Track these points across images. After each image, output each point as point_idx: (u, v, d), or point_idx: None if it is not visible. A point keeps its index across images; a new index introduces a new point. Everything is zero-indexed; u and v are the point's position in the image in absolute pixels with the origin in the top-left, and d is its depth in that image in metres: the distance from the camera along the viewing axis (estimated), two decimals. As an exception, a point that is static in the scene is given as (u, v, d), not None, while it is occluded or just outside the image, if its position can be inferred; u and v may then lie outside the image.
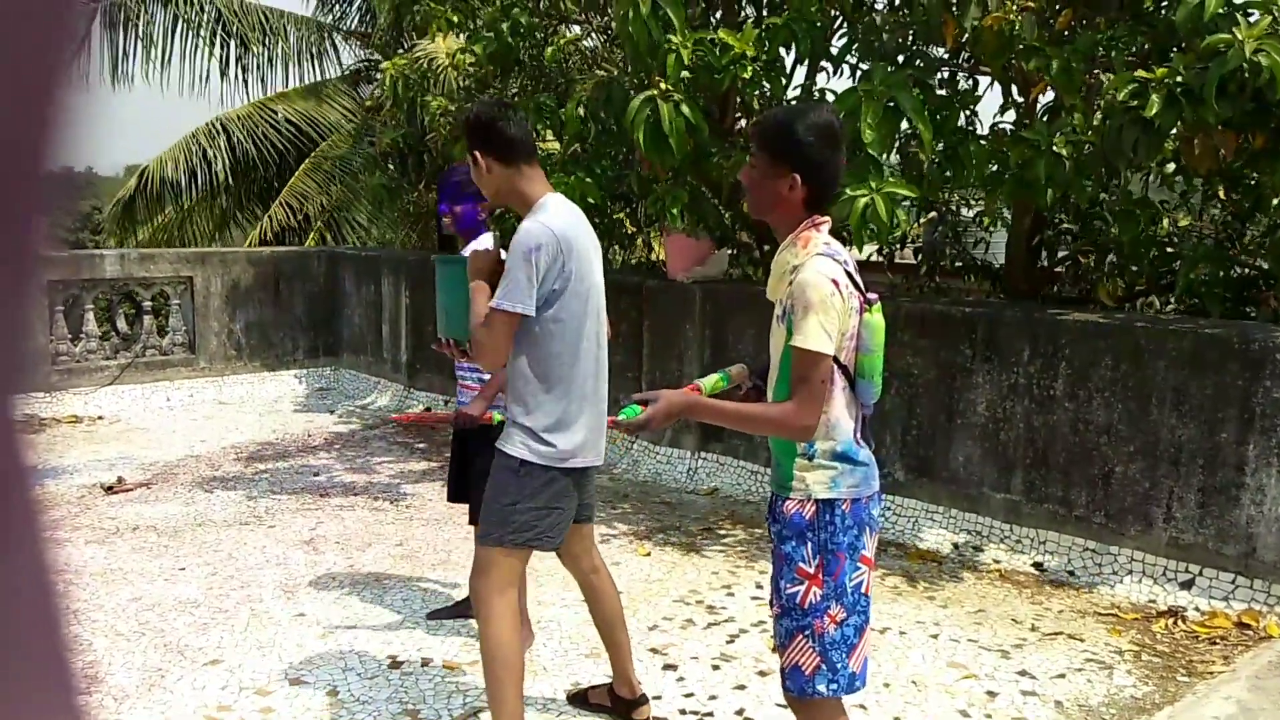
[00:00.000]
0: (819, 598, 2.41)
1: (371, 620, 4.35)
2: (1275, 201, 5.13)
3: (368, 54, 12.64)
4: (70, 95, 0.43)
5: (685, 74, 5.25)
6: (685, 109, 5.19)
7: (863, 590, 2.46)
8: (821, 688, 2.42)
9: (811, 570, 2.41)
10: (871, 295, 2.47)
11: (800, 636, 2.43)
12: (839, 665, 2.42)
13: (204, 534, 5.46)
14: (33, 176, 0.44)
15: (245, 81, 12.71)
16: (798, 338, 2.34)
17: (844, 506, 2.42)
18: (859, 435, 2.50)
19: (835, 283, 2.35)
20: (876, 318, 2.44)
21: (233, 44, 12.38)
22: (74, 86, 0.43)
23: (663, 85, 5.21)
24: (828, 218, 2.48)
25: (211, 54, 12.37)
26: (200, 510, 5.89)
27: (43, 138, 0.43)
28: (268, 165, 12.60)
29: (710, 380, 2.74)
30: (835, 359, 2.38)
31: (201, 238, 12.88)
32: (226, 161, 12.57)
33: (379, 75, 9.60)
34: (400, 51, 9.11)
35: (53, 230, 0.45)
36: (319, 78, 13.18)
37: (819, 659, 2.41)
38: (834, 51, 6.00)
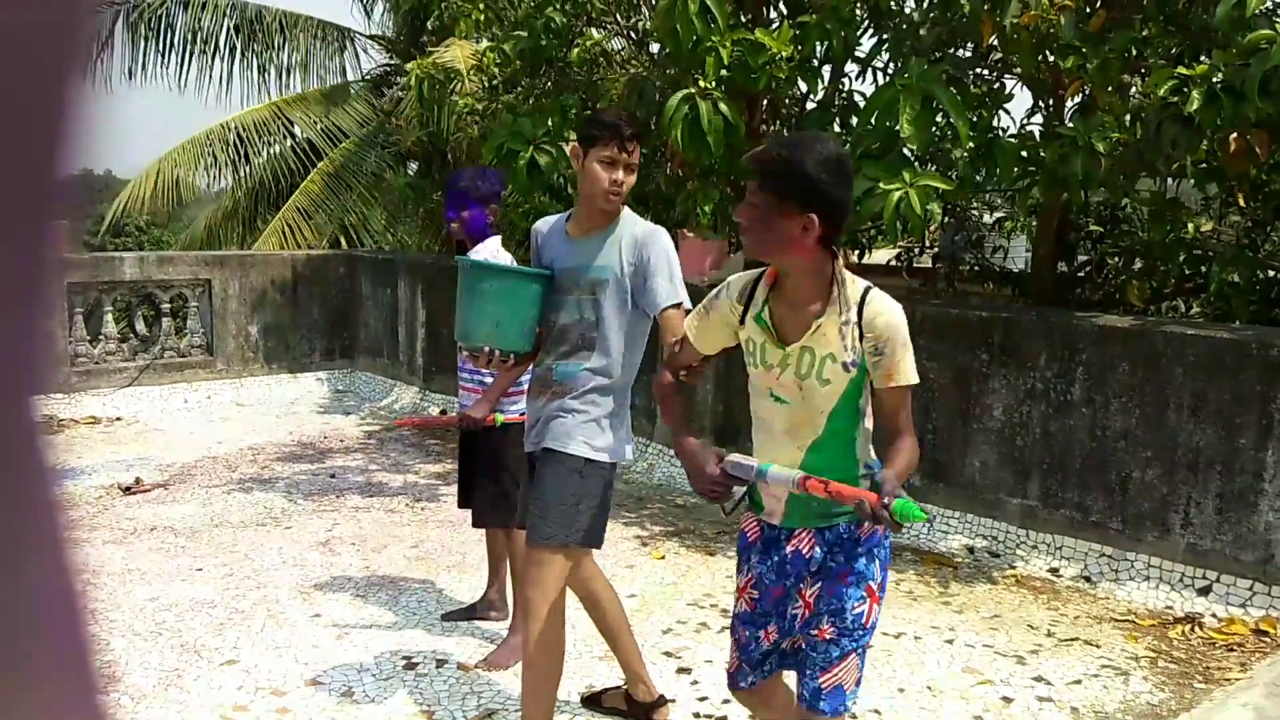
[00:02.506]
0: (877, 614, 2.44)
1: (387, 621, 4.37)
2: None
3: (388, 59, 12.69)
4: (86, 98, 0.44)
5: (723, 73, 5.26)
6: (724, 107, 5.20)
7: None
8: (851, 704, 2.46)
9: (877, 587, 2.43)
10: None
11: (854, 655, 2.43)
12: (860, 682, 2.48)
13: (221, 535, 5.49)
14: (49, 180, 0.44)
15: (262, 84, 12.76)
16: (901, 376, 2.32)
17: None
18: None
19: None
20: None
21: (251, 46, 12.43)
22: (90, 89, 0.44)
23: (702, 84, 5.22)
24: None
25: (228, 58, 12.42)
26: (217, 511, 5.92)
27: (59, 141, 0.44)
28: (285, 170, 12.65)
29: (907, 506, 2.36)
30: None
31: (224, 243, 12.93)
32: (240, 168, 12.63)
33: (399, 79, 9.65)
34: (421, 54, 9.14)
35: (70, 233, 0.46)
36: (339, 80, 13.22)
37: (858, 674, 2.45)
38: (861, 53, 6.00)
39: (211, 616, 4.41)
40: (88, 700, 0.50)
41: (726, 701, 3.70)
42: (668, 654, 4.10)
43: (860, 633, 2.42)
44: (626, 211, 3.10)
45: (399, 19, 12.05)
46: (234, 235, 12.88)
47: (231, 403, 9.06)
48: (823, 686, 2.42)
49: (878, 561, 2.43)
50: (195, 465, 6.97)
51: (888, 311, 2.32)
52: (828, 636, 2.42)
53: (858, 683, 2.45)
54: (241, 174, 12.74)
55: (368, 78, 12.88)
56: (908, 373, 2.32)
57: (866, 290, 2.35)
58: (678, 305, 2.96)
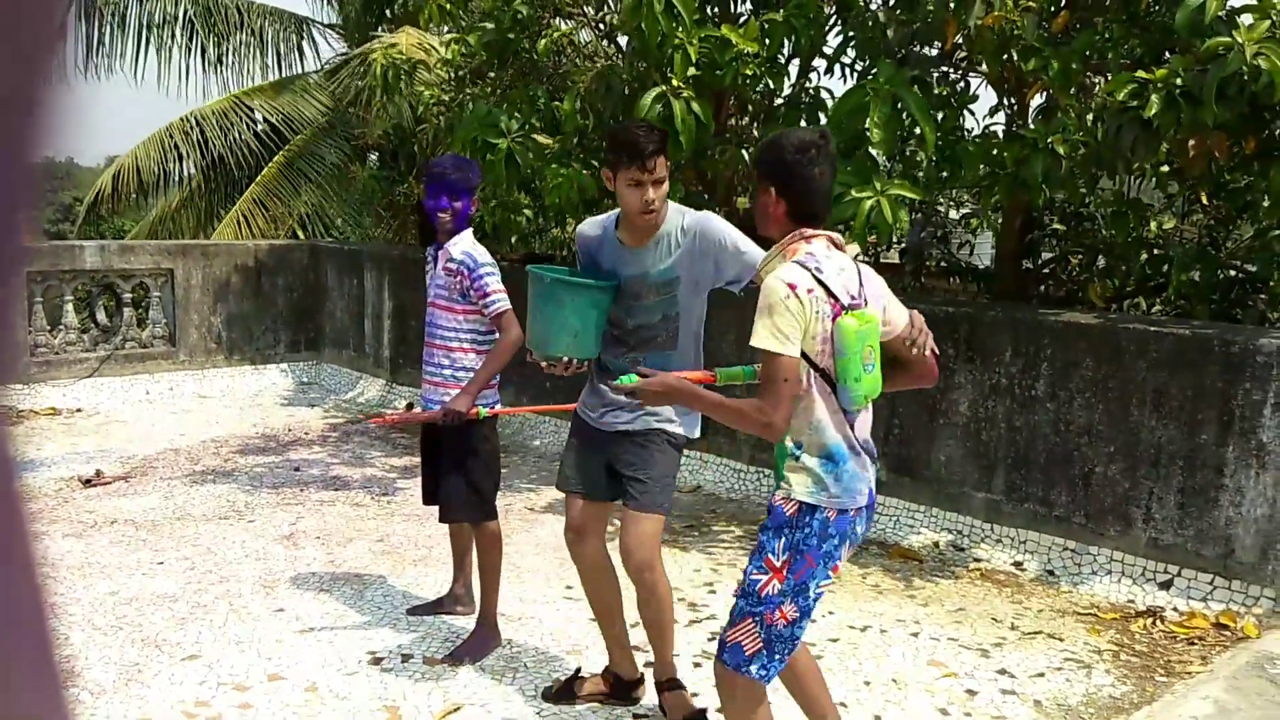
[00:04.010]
0: (776, 591, 2.52)
1: (351, 616, 4.33)
2: (1266, 204, 5.17)
3: (347, 48, 12.57)
4: (53, 85, 0.43)
5: (692, 70, 5.25)
6: (696, 106, 5.20)
7: (820, 598, 2.58)
8: (755, 669, 2.56)
9: (778, 564, 2.51)
10: (850, 302, 2.51)
11: (750, 621, 2.55)
12: (777, 657, 2.56)
13: (183, 528, 5.42)
14: (14, 168, 0.43)
15: (220, 74, 12.59)
16: (752, 337, 2.46)
17: (828, 514, 2.51)
18: (852, 440, 2.55)
19: (792, 286, 2.44)
20: (847, 321, 2.45)
21: (209, 36, 12.25)
22: (56, 76, 0.43)
23: (674, 82, 5.21)
24: (821, 232, 2.56)
25: (186, 46, 12.24)
26: (179, 504, 5.85)
27: (25, 128, 0.43)
28: (242, 161, 12.49)
29: (730, 370, 2.88)
30: (811, 361, 2.47)
31: (184, 234, 12.75)
32: (200, 157, 12.47)
33: (359, 69, 9.55)
34: (376, 43, 9.07)
35: (33, 221, 0.45)
36: (297, 71, 13.07)
37: (761, 645, 2.54)
38: (829, 50, 6.01)
39: (173, 611, 4.35)
40: (51, 696, 0.49)
41: (695, 695, 3.70)
42: (635, 648, 4.08)
43: (754, 599, 2.53)
44: (670, 205, 3.24)
45: (355, 7, 11.92)
46: (190, 225, 12.71)
47: (194, 394, 8.96)
48: (725, 639, 2.61)
49: (782, 540, 2.51)
50: (157, 457, 6.88)
51: (767, 278, 2.51)
52: (734, 594, 2.64)
53: (761, 655, 2.53)
54: (201, 164, 12.57)
55: (326, 66, 12.75)
56: (757, 335, 2.46)
57: (783, 265, 2.53)
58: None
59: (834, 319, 2.47)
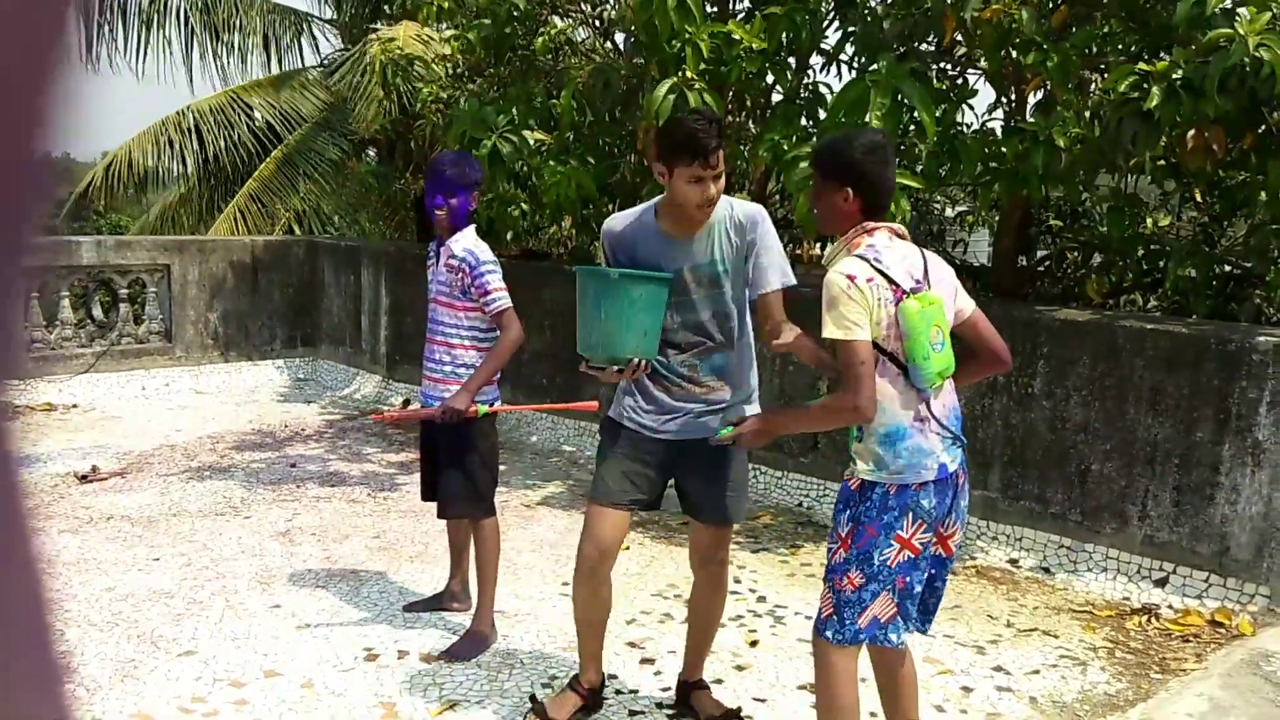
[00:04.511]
0: (842, 560, 2.75)
1: (348, 612, 4.33)
2: (1262, 198, 5.17)
3: (346, 44, 12.54)
4: (64, 80, 0.43)
5: (703, 65, 5.26)
6: (709, 98, 5.21)
7: (889, 564, 2.70)
8: (829, 634, 2.77)
9: (844, 535, 2.75)
10: (912, 286, 2.68)
11: (825, 587, 2.81)
12: (847, 620, 2.74)
13: (179, 524, 5.42)
14: (25, 164, 0.43)
15: (219, 69, 12.57)
16: (823, 330, 2.66)
17: (889, 489, 2.70)
18: (923, 419, 2.71)
19: (851, 278, 2.63)
20: (910, 304, 2.62)
21: (205, 30, 12.23)
22: (65, 71, 0.43)
23: (687, 73, 5.21)
24: (882, 224, 2.74)
25: (184, 40, 12.21)
26: (175, 500, 5.84)
27: (36, 124, 0.43)
28: (239, 157, 12.46)
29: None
30: (879, 347, 2.65)
31: (182, 230, 12.73)
32: (198, 151, 12.44)
33: (352, 63, 9.53)
34: (373, 37, 9.05)
35: (43, 219, 0.45)
36: (295, 66, 13.05)
37: (832, 610, 2.77)
38: (827, 46, 6.01)
39: (169, 607, 4.35)
40: (52, 695, 0.49)
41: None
42: (631, 644, 4.10)
43: (829, 568, 2.80)
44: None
45: (353, 2, 11.89)
46: (189, 221, 12.69)
47: (190, 390, 8.95)
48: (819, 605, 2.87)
49: (846, 514, 2.76)
50: (153, 453, 6.87)
51: (829, 273, 2.70)
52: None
53: (833, 619, 2.76)
54: (198, 160, 12.54)
55: (325, 63, 12.72)
56: (825, 326, 2.66)
57: (844, 259, 2.73)
58: (788, 288, 3.12)
59: (897, 304, 2.64)
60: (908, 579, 2.73)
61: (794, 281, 3.13)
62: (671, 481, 3.33)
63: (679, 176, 2.93)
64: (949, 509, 2.78)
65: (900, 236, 2.78)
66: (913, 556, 2.72)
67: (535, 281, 7.17)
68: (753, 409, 3.25)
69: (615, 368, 3.04)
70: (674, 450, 3.19)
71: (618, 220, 3.19)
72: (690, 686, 3.56)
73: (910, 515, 2.69)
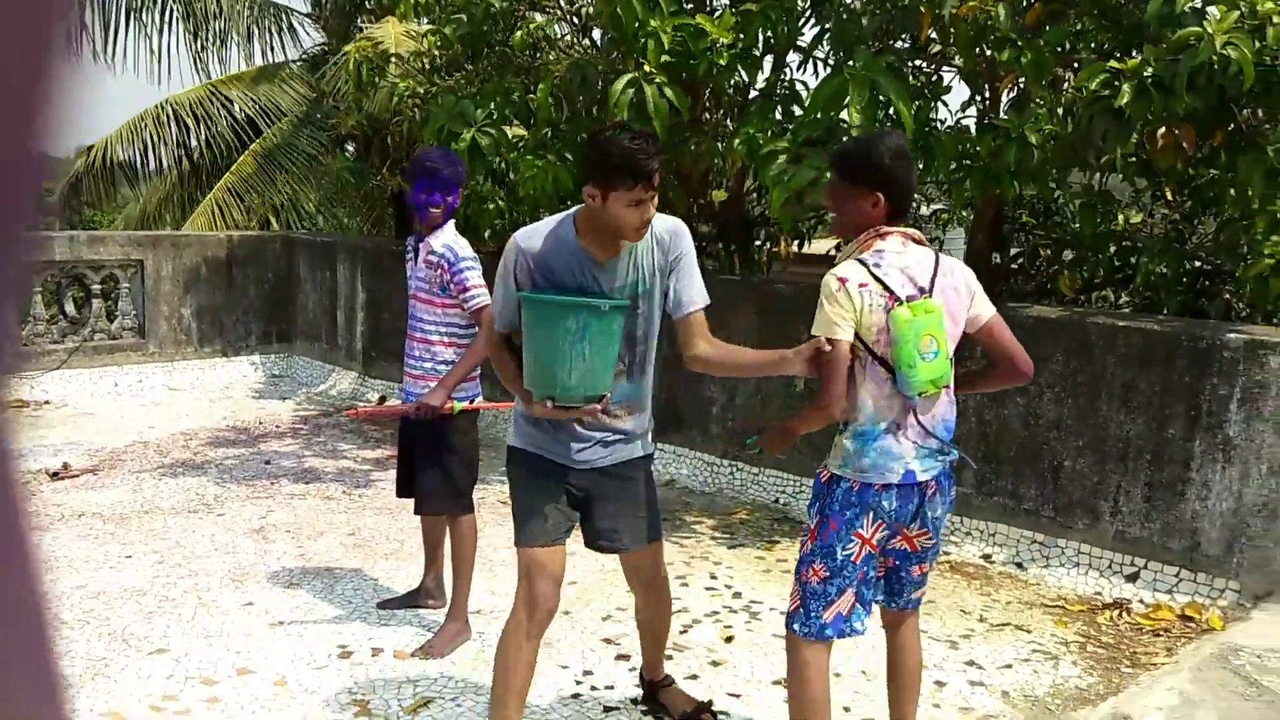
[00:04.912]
0: (808, 550, 2.83)
1: (321, 610, 4.31)
2: (1232, 195, 5.22)
3: (325, 39, 12.47)
4: (59, 78, 0.43)
5: (665, 58, 5.25)
6: (669, 91, 5.19)
7: (853, 560, 2.77)
8: (797, 627, 2.84)
9: (812, 527, 2.83)
10: (910, 294, 2.69)
11: (794, 580, 2.89)
12: (813, 613, 2.81)
13: (151, 521, 5.37)
14: (20, 163, 0.43)
15: (204, 64, 12.47)
16: (813, 327, 2.73)
17: (853, 485, 2.76)
18: (903, 425, 2.73)
19: (843, 281, 2.69)
20: (900, 312, 2.64)
21: (188, 22, 12.13)
22: (63, 68, 0.43)
23: (646, 67, 5.20)
24: (896, 229, 2.76)
25: (164, 32, 12.11)
26: (148, 497, 5.80)
27: (31, 123, 0.43)
28: (217, 151, 12.37)
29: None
30: (869, 349, 2.70)
31: (159, 224, 12.63)
32: (175, 145, 12.34)
33: (334, 59, 9.49)
34: (356, 32, 9.00)
35: (40, 216, 0.45)
36: (275, 60, 12.96)
37: (799, 603, 2.84)
38: (803, 42, 6.02)
39: (141, 605, 4.31)
40: (50, 692, 0.49)
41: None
42: (607, 640, 4.10)
43: (798, 562, 2.88)
44: None
45: None
46: (169, 216, 12.59)
47: (163, 386, 8.88)
48: None
49: (815, 506, 2.85)
50: (125, 450, 6.82)
51: (827, 274, 2.79)
52: None
53: (800, 613, 2.84)
54: (177, 154, 12.45)
55: (304, 57, 12.65)
56: (815, 324, 2.76)
57: (843, 262, 2.80)
58: (705, 306, 3.01)
59: (888, 311, 2.67)
60: (867, 570, 2.83)
61: (708, 300, 3.00)
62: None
63: (616, 200, 2.69)
64: (914, 515, 2.81)
65: (917, 241, 2.79)
66: (871, 554, 2.81)
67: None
68: (648, 441, 3.13)
69: (592, 405, 2.83)
70: (586, 480, 3.02)
71: (534, 236, 2.86)
72: (657, 685, 3.55)
73: (871, 514, 2.76)
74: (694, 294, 2.96)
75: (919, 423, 2.73)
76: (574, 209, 2.89)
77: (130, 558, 4.85)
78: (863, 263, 2.72)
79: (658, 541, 3.24)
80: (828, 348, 2.67)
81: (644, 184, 2.70)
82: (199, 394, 8.73)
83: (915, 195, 3.07)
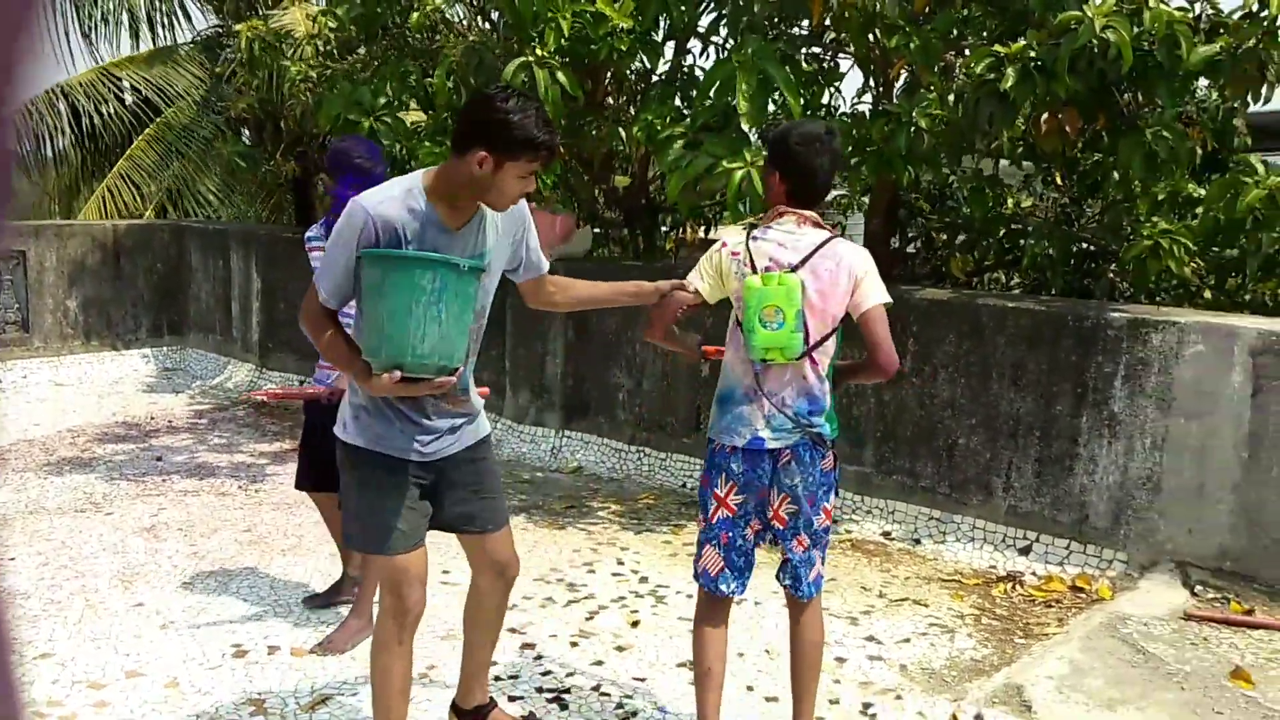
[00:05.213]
0: (700, 498, 3.06)
1: (215, 609, 4.19)
2: (1114, 178, 5.39)
3: (221, 20, 12.08)
4: (27, 69, 0.41)
5: (563, 42, 5.20)
6: (561, 76, 5.14)
7: (711, 519, 2.99)
8: (701, 584, 3.05)
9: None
10: (767, 267, 2.85)
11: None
12: (698, 557, 3.03)
13: (36, 522, 5.16)
14: None
15: (94, 46, 11.99)
16: None
17: (715, 445, 2.96)
18: (754, 390, 2.88)
19: (723, 245, 2.96)
20: (751, 280, 2.81)
21: (75, 4, 11.65)
22: (30, 61, 0.41)
23: (539, 52, 5.14)
24: (795, 210, 2.90)
25: (52, 12, 11.60)
26: (32, 497, 5.57)
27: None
28: (112, 135, 11.92)
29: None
30: (736, 314, 2.92)
31: (47, 214, 12.13)
32: (69, 131, 11.86)
33: (231, 41, 9.20)
34: (255, 17, 8.73)
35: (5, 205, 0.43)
36: (169, 42, 12.53)
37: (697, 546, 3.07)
38: (702, 29, 6.04)
39: (25, 608, 4.14)
40: (6, 694, 0.46)
41: (571, 674, 3.71)
42: (512, 630, 4.06)
43: None
44: None
45: None
46: (57, 207, 12.10)
47: (49, 382, 8.54)
48: None
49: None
50: (9, 450, 6.54)
51: None
52: None
53: (696, 560, 3.06)
54: (70, 140, 11.95)
55: (197, 39, 12.25)
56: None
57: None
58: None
59: (742, 278, 2.86)
60: (730, 534, 2.97)
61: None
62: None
63: (511, 170, 2.56)
64: (769, 483, 2.91)
65: (815, 225, 2.90)
66: (729, 515, 2.96)
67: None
68: (485, 419, 2.98)
69: (444, 377, 2.60)
70: (434, 470, 2.82)
71: (385, 201, 2.59)
72: (486, 710, 3.20)
73: (724, 475, 2.94)
74: (542, 258, 2.96)
75: (763, 390, 2.86)
76: (417, 172, 2.70)
77: (13, 560, 4.65)
78: (749, 232, 2.91)
79: (508, 524, 3.06)
80: (689, 289, 2.95)
81: (544, 156, 2.63)
82: (87, 389, 8.42)
83: (829, 186, 3.12)
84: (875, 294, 2.88)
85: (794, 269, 2.81)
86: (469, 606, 3.12)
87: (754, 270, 2.84)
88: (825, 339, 2.86)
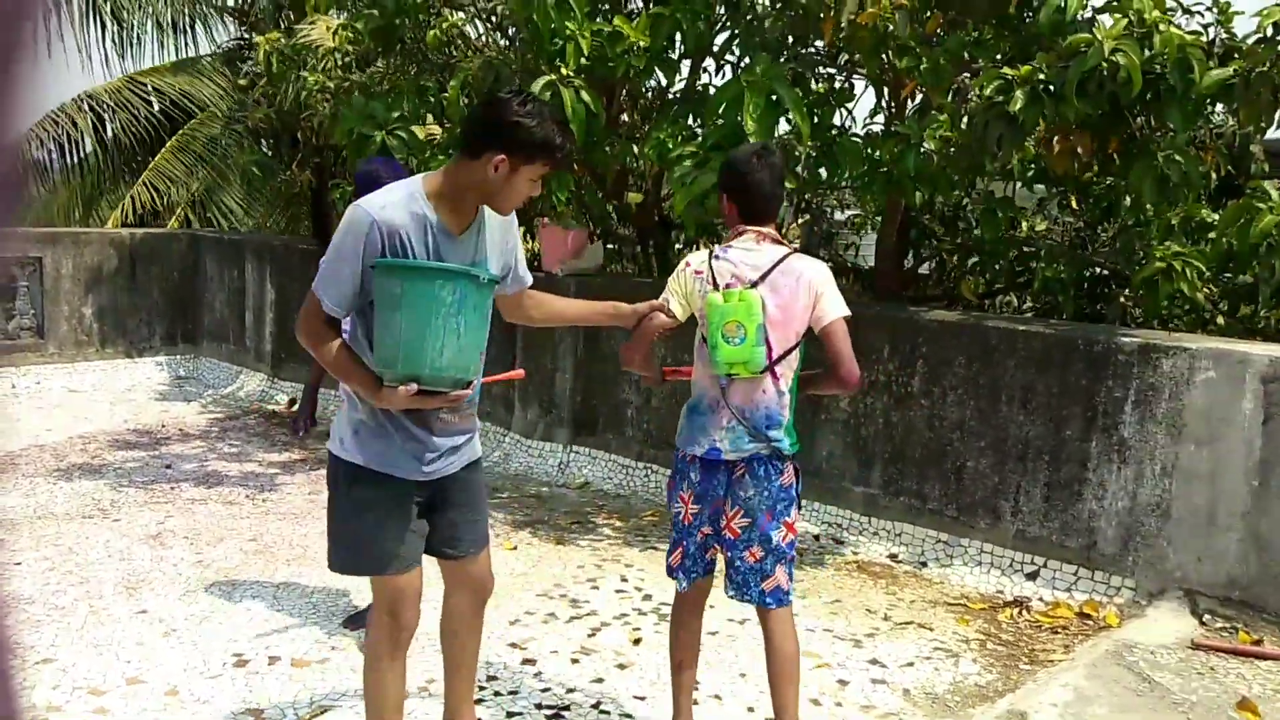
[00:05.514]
0: (668, 501, 3.18)
1: (218, 617, 4.19)
2: (1127, 202, 5.37)
3: (243, 31, 12.20)
4: (30, 75, 0.41)
5: (583, 61, 5.24)
6: (586, 95, 5.18)
7: (680, 520, 3.11)
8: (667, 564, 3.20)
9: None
10: (728, 283, 2.94)
11: None
12: (670, 554, 3.17)
13: (43, 527, 5.18)
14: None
15: (122, 55, 12.12)
16: None
17: (679, 453, 3.08)
18: (718, 402, 2.97)
19: (687, 264, 3.06)
20: (712, 297, 2.91)
21: (104, 14, 11.77)
22: (33, 67, 0.41)
23: (564, 70, 5.18)
24: (754, 228, 3.00)
25: (84, 21, 11.73)
26: (41, 502, 5.59)
27: (6, 118, 0.41)
28: (139, 142, 12.04)
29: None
30: (702, 330, 2.99)
31: (66, 219, 12.23)
32: (94, 138, 11.97)
33: (251, 54, 9.27)
34: (278, 29, 8.80)
35: (14, 211, 0.43)
36: (194, 53, 12.66)
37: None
38: (716, 47, 6.05)
39: (28, 613, 4.15)
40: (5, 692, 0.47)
41: (571, 691, 3.69)
42: (513, 645, 4.06)
43: None
44: None
45: None
46: (82, 212, 12.20)
47: (63, 389, 8.59)
48: None
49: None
50: (20, 454, 6.57)
51: None
52: None
53: (669, 554, 3.20)
54: (95, 147, 12.06)
55: (219, 50, 12.36)
56: None
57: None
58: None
59: (704, 295, 2.96)
60: (693, 537, 3.10)
61: None
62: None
63: (526, 174, 2.56)
64: (724, 494, 3.01)
65: (774, 241, 3.00)
66: (685, 524, 3.09)
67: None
68: (478, 440, 2.94)
69: (459, 390, 2.57)
70: (432, 488, 2.77)
71: (389, 207, 2.53)
72: None
73: (685, 482, 3.06)
74: (526, 270, 2.96)
75: (728, 403, 2.95)
76: (416, 177, 2.66)
77: (19, 565, 4.67)
78: (713, 251, 3.02)
79: (488, 544, 3.02)
80: (668, 310, 3.04)
81: (559, 160, 2.65)
82: (100, 396, 8.46)
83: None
84: (835, 308, 2.95)
85: (754, 285, 2.91)
86: (448, 628, 3.06)
87: (716, 287, 2.94)
88: (788, 353, 2.95)
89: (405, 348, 2.46)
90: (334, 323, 2.62)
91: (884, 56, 4.87)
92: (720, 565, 3.15)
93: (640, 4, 6.56)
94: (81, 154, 12.11)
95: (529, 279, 2.99)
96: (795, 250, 3.02)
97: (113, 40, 11.95)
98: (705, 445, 2.99)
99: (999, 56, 4.90)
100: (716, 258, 2.99)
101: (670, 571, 3.19)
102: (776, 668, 3.07)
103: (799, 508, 3.08)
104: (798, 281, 2.92)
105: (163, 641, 3.94)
